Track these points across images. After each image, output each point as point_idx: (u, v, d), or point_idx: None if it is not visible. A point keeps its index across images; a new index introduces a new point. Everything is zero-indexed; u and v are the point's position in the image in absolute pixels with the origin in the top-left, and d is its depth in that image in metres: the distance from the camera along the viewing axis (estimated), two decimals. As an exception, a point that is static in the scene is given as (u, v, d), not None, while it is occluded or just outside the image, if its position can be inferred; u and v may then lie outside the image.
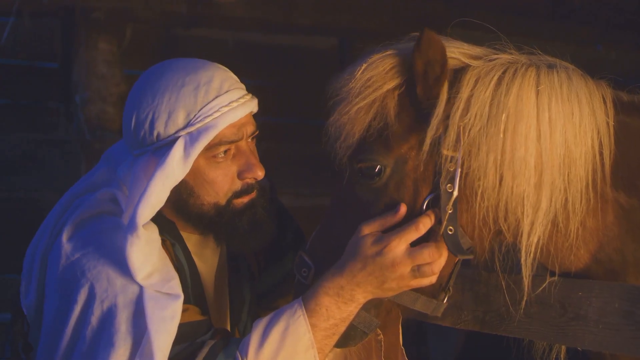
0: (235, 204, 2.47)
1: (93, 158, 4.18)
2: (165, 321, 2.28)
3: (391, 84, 2.25)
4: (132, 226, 2.31)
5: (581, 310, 2.28)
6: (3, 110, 4.37)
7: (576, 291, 2.30)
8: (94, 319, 2.31)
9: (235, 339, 2.36)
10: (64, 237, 2.41)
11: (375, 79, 2.26)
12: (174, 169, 2.35)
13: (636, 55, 5.49)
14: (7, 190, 4.36)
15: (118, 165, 2.51)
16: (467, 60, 2.26)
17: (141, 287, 2.32)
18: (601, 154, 2.24)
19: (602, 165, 2.25)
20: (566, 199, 2.21)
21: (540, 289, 2.32)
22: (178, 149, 2.35)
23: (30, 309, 2.51)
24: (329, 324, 2.28)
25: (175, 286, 2.35)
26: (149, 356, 2.25)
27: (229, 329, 2.65)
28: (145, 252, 2.34)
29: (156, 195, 2.33)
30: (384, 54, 2.28)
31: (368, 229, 2.26)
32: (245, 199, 2.48)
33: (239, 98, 2.43)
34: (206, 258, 2.62)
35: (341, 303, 2.27)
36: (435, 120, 2.20)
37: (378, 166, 2.26)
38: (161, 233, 2.45)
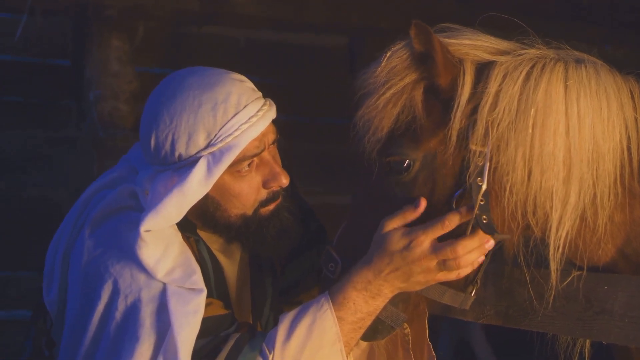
0: (262, 212, 2.47)
1: (106, 155, 4.19)
2: (189, 315, 2.28)
3: (415, 74, 2.26)
4: (136, 231, 2.32)
5: (607, 305, 2.27)
6: (15, 107, 4.37)
7: (602, 285, 2.29)
8: (118, 314, 2.31)
9: (261, 333, 2.36)
10: (86, 233, 2.42)
11: (399, 68, 2.26)
12: (194, 188, 2.34)
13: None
14: (18, 188, 4.36)
15: (139, 167, 2.51)
16: (493, 56, 2.27)
17: (164, 282, 2.32)
18: (629, 149, 2.25)
19: (630, 160, 2.26)
20: (594, 194, 2.21)
21: (566, 282, 2.32)
22: (200, 169, 2.33)
23: (53, 305, 2.51)
24: (356, 318, 2.29)
25: (198, 281, 2.35)
26: (173, 350, 2.25)
27: (250, 321, 2.66)
28: (160, 250, 2.34)
29: (168, 211, 2.33)
30: (406, 42, 2.28)
31: (391, 224, 2.26)
32: (271, 207, 2.48)
33: (258, 111, 2.39)
34: (229, 253, 2.63)
35: (369, 297, 2.28)
36: (457, 112, 2.21)
37: (407, 160, 2.26)
38: (183, 231, 2.45)
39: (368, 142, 2.28)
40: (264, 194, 2.46)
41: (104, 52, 4.25)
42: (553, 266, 2.23)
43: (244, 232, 2.48)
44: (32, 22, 4.21)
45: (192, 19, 4.52)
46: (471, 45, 2.28)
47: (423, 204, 2.24)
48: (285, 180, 2.46)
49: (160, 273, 2.32)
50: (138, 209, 2.42)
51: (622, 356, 2.55)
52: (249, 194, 2.44)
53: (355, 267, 2.29)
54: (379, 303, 2.30)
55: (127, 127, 4.24)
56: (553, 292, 2.28)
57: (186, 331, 2.27)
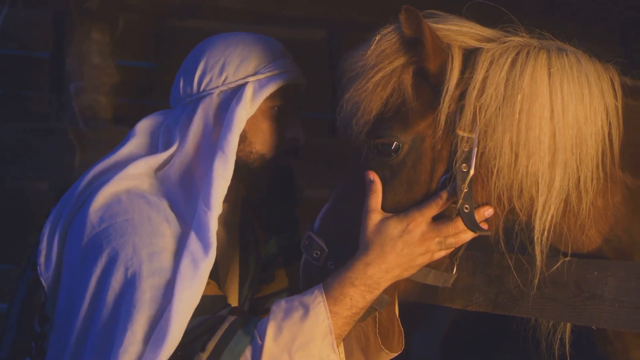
0: (277, 162, 2.58)
1: (87, 147, 4.17)
2: (194, 279, 2.29)
3: (404, 58, 2.27)
4: (226, 152, 2.41)
5: (597, 290, 2.29)
6: (-5, 99, 4.34)
7: (591, 271, 2.31)
8: (117, 284, 2.31)
9: (255, 319, 2.36)
10: (91, 208, 2.40)
11: (388, 51, 2.27)
12: (248, 108, 2.47)
13: (621, 50, 5.55)
14: (0, 179, 4.32)
15: (158, 127, 2.60)
16: (479, 43, 2.29)
17: (171, 261, 2.32)
18: (610, 135, 2.28)
19: (611, 146, 2.29)
20: (578, 178, 2.24)
21: (554, 268, 2.34)
22: (249, 90, 2.47)
23: (49, 280, 2.46)
24: (351, 313, 2.31)
25: (212, 255, 2.37)
26: (165, 326, 2.24)
27: (237, 303, 2.69)
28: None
29: (239, 128, 2.44)
30: (396, 26, 2.29)
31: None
32: (285, 161, 2.60)
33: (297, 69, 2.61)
34: (220, 235, 2.62)
35: (367, 292, 2.29)
36: (446, 96, 2.23)
37: (395, 142, 2.28)
38: None
39: (356, 124, 2.29)
40: (284, 143, 2.58)
41: (85, 44, 4.24)
42: (538, 249, 2.25)
43: (252, 176, 2.56)
44: (14, 14, 4.19)
45: (173, 12, 4.51)
46: (458, 31, 2.30)
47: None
48: (303, 136, 2.59)
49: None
50: (145, 189, 2.44)
51: (601, 338, 2.60)
52: (273, 135, 2.55)
53: (354, 264, 2.29)
54: (374, 297, 2.31)
55: (108, 119, 4.24)
56: (538, 275, 2.29)
57: (186, 302, 2.27)
